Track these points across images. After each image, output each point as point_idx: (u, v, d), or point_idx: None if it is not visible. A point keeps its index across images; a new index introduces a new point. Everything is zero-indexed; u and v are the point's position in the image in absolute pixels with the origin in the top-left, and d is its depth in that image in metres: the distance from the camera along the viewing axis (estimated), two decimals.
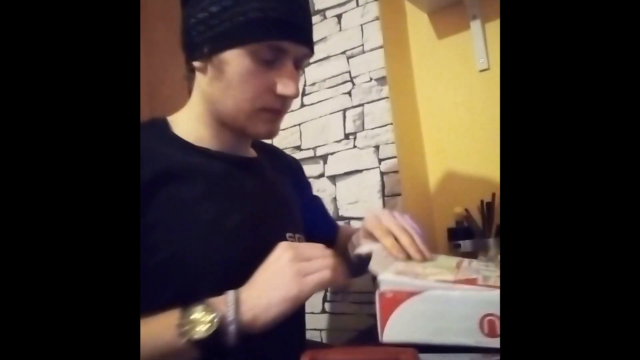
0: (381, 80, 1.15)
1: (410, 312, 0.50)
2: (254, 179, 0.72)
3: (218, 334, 0.47)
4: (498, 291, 0.47)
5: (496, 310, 0.47)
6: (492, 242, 0.99)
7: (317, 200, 0.96)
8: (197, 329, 0.47)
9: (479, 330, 0.48)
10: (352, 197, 1.18)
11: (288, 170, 0.86)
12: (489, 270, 0.56)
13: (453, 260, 0.62)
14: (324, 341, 1.20)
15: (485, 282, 0.50)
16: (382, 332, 0.52)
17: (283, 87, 0.63)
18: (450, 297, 0.49)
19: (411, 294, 0.50)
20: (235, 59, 0.62)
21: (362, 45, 1.19)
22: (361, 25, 1.20)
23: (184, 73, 0.70)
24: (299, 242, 0.73)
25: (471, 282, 0.50)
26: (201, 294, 0.51)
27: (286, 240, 0.70)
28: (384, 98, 1.15)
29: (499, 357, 0.46)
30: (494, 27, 1.13)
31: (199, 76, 0.67)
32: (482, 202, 1.05)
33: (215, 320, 0.48)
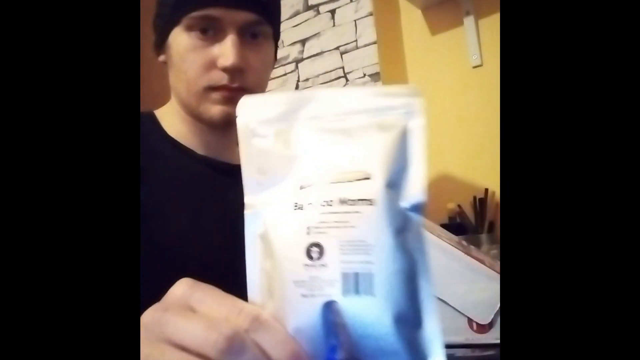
0: (375, 76, 1.15)
1: None
2: (238, 187, 0.64)
3: None
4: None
5: None
6: (485, 238, 1.00)
7: None
8: None
9: (468, 328, 0.50)
10: None
11: None
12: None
13: (455, 237, 0.64)
14: None
15: (495, 266, 0.52)
16: None
17: (222, 59, 0.56)
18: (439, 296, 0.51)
19: None
20: (174, 39, 0.59)
21: (356, 40, 1.19)
22: (355, 20, 1.19)
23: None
24: None
25: (480, 260, 0.51)
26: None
27: None
28: None
29: (488, 352, 0.47)
30: (488, 24, 1.13)
31: (167, 70, 0.64)
32: (474, 198, 1.05)
33: None
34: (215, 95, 0.59)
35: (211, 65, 0.57)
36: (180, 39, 0.58)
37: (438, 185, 1.20)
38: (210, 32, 0.57)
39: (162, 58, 0.63)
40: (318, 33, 1.26)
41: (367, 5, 1.18)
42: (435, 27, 1.21)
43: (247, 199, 0.31)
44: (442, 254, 0.51)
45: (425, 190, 0.29)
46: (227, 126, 0.60)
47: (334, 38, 1.23)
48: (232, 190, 0.60)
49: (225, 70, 0.57)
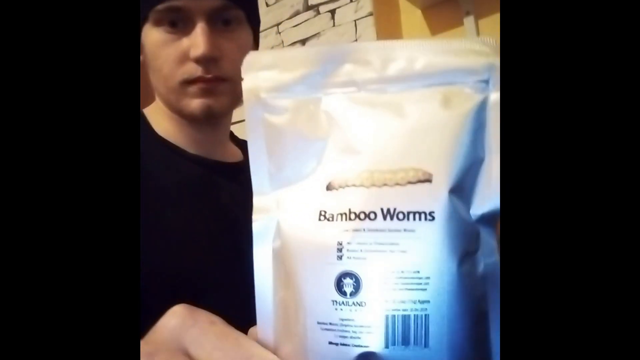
0: None
1: None
2: (232, 185, 0.62)
3: None
4: None
5: None
6: None
7: None
8: None
9: None
10: None
11: None
12: None
13: None
14: None
15: None
16: None
17: (193, 49, 0.54)
18: None
19: None
20: (146, 36, 0.57)
21: (356, 40, 1.19)
22: (355, 20, 1.19)
23: None
24: None
25: None
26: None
27: None
28: None
29: None
30: (487, 24, 1.13)
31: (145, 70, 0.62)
32: None
33: None
34: (192, 89, 0.56)
35: (184, 58, 0.55)
36: (151, 35, 0.56)
37: None
38: (179, 24, 0.55)
39: (142, 58, 0.60)
40: (318, 33, 1.26)
41: (367, 5, 1.18)
42: (435, 27, 1.21)
43: (257, 201, 0.23)
44: None
45: (500, 193, 0.21)
46: (210, 119, 0.59)
47: (334, 38, 1.23)
48: (226, 191, 0.60)
49: (198, 61, 0.54)
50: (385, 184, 0.19)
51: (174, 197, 0.57)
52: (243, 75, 0.23)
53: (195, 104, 0.56)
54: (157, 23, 0.55)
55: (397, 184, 0.19)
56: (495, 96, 0.23)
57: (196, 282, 0.53)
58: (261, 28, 1.41)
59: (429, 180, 0.19)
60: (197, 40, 0.54)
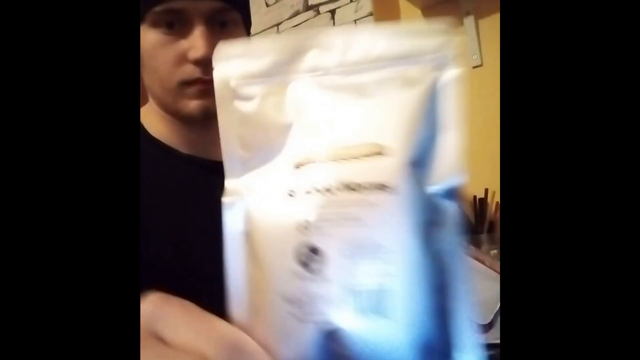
0: None
1: None
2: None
3: None
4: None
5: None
6: (485, 238, 1.00)
7: None
8: None
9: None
10: None
11: None
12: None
13: None
14: None
15: (495, 266, 0.51)
16: None
17: (192, 51, 0.54)
18: None
19: None
20: (143, 37, 0.56)
21: None
22: (355, 20, 1.19)
23: None
24: None
25: (479, 259, 0.50)
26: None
27: None
28: None
29: (488, 352, 0.47)
30: (488, 24, 1.13)
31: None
32: (474, 197, 1.05)
33: None
34: (191, 90, 0.56)
35: (182, 59, 0.55)
36: (147, 36, 0.55)
37: None
38: (176, 25, 0.55)
39: None
40: None
41: (367, 5, 1.18)
42: None
43: (228, 183, 0.25)
44: None
45: (462, 168, 0.22)
46: (207, 120, 0.58)
47: None
48: (220, 189, 0.61)
49: (197, 62, 0.55)
50: (343, 159, 0.20)
51: (169, 196, 0.57)
52: (214, 65, 0.24)
53: (193, 105, 0.56)
54: (154, 24, 0.55)
55: (355, 158, 0.20)
56: (450, 73, 0.23)
57: (191, 278, 0.53)
58: (261, 28, 1.41)
59: (385, 154, 0.20)
60: (197, 43, 0.54)
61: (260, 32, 1.36)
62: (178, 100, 0.57)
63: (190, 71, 0.55)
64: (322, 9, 1.26)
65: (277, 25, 1.34)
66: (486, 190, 1.05)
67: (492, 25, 1.12)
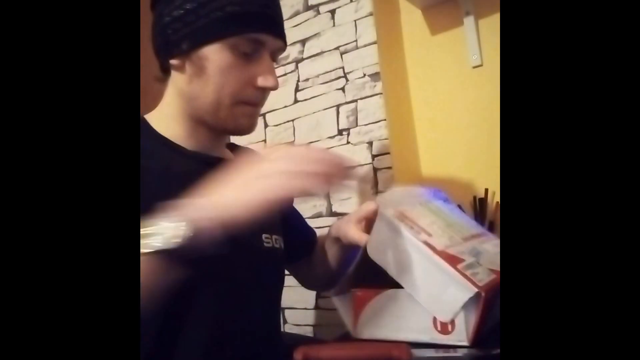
0: (375, 76, 1.15)
1: (377, 310, 0.53)
2: None
3: (188, 239, 0.43)
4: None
5: None
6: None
7: (295, 209, 0.95)
8: (163, 236, 0.42)
9: (432, 328, 0.49)
10: (345, 193, 1.18)
11: None
12: (488, 258, 0.56)
13: (473, 230, 0.62)
14: (317, 337, 1.21)
15: (468, 269, 0.50)
16: (354, 328, 0.54)
17: (263, 80, 0.64)
18: (407, 296, 0.51)
19: (376, 293, 0.53)
20: (215, 54, 0.62)
21: (356, 41, 1.19)
22: (355, 20, 1.19)
23: (156, 74, 0.70)
24: (276, 243, 0.73)
25: (452, 260, 0.50)
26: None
27: (262, 242, 0.70)
28: (377, 94, 1.15)
29: (450, 353, 0.47)
30: (488, 24, 1.13)
31: (175, 75, 0.66)
32: (474, 198, 1.05)
33: (179, 226, 0.43)
34: (246, 110, 0.66)
35: (249, 83, 0.64)
36: (223, 55, 0.62)
37: (438, 184, 1.20)
38: (251, 54, 0.63)
39: (175, 62, 0.65)
40: (318, 33, 1.26)
41: (367, 5, 1.18)
42: (435, 27, 1.21)
43: None
44: (412, 248, 0.50)
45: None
46: (245, 134, 0.70)
47: (334, 38, 1.23)
48: None
49: (262, 90, 0.65)
50: None
51: (178, 189, 0.61)
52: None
53: (244, 121, 0.67)
54: (235, 47, 0.62)
55: None
56: None
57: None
58: None
59: None
60: (269, 74, 0.64)
61: None
62: (231, 115, 0.65)
63: (253, 95, 0.65)
64: (322, 9, 1.25)
65: None
66: (486, 190, 1.05)
67: (492, 25, 1.12)
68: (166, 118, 0.69)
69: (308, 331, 1.22)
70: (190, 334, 0.58)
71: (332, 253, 0.79)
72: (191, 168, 0.65)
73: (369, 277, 0.61)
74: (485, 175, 1.10)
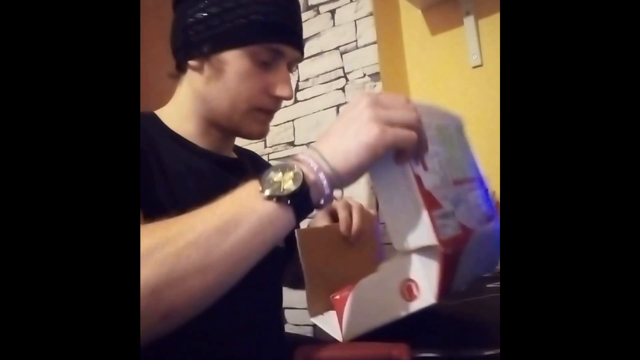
0: (375, 76, 1.15)
1: (355, 305, 0.53)
2: (236, 177, 0.71)
3: (310, 187, 0.43)
4: (407, 256, 0.48)
5: (410, 274, 0.48)
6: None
7: None
8: (285, 186, 0.42)
9: (401, 298, 0.49)
10: (345, 193, 1.18)
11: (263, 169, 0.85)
12: (465, 211, 0.55)
13: (467, 173, 0.63)
14: (317, 337, 1.21)
15: (441, 218, 0.49)
16: (341, 334, 0.54)
17: (280, 90, 0.66)
18: (375, 279, 0.51)
19: (350, 289, 0.53)
20: (235, 59, 0.63)
21: (356, 41, 1.19)
22: (355, 20, 1.19)
23: (171, 71, 0.71)
24: (280, 243, 0.74)
25: (431, 205, 0.48)
26: None
27: None
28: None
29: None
30: (488, 24, 1.13)
31: (193, 75, 0.67)
32: None
33: (298, 173, 0.43)
34: (260, 116, 0.68)
35: (264, 91, 0.66)
36: (242, 62, 0.64)
37: None
38: (269, 62, 0.65)
39: (194, 63, 0.66)
40: (318, 33, 1.26)
41: (367, 5, 1.18)
42: (435, 27, 1.21)
43: None
44: (403, 175, 0.49)
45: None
46: (256, 139, 0.74)
47: (334, 38, 1.23)
48: (227, 179, 0.68)
49: (278, 98, 0.67)
50: None
51: (188, 179, 0.65)
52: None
53: (257, 127, 0.69)
54: (252, 55, 0.63)
55: None
56: None
57: None
58: None
59: None
60: (285, 84, 0.66)
61: None
62: (244, 120, 0.67)
63: (268, 102, 0.67)
64: (322, 9, 1.26)
65: None
66: None
67: (492, 25, 1.12)
68: (179, 115, 0.70)
69: (308, 331, 1.22)
70: (190, 331, 0.58)
71: None
72: (204, 166, 0.67)
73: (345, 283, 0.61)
74: (485, 175, 1.10)
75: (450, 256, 0.46)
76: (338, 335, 0.56)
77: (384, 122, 0.44)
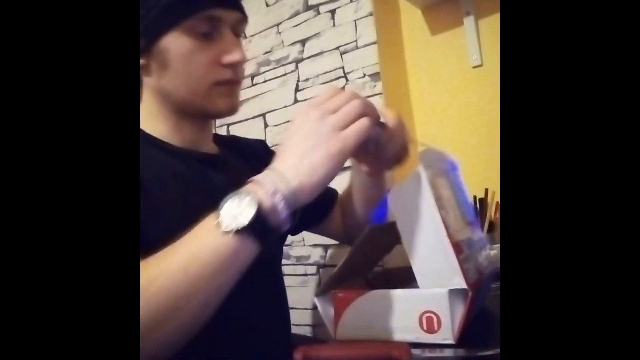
0: (375, 76, 1.15)
1: (360, 311, 0.53)
2: (220, 173, 0.69)
3: (266, 213, 0.42)
4: (438, 290, 0.49)
5: (435, 307, 0.49)
6: (485, 238, 1.00)
7: None
8: (241, 217, 0.41)
9: (418, 327, 0.49)
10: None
11: (254, 156, 0.82)
12: (476, 254, 0.56)
13: (469, 216, 0.63)
14: (316, 337, 1.21)
15: (465, 262, 0.50)
16: (335, 330, 0.54)
17: (230, 56, 0.63)
18: (393, 296, 0.51)
19: (359, 294, 0.53)
20: (173, 42, 0.61)
21: (356, 41, 1.19)
22: (355, 20, 1.19)
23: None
24: None
25: (456, 249, 0.50)
26: None
27: None
28: (377, 94, 1.15)
29: (435, 353, 0.48)
30: (488, 24, 1.13)
31: (144, 74, 0.65)
32: (474, 197, 1.05)
33: (253, 200, 0.42)
34: (222, 89, 0.64)
35: (215, 62, 0.62)
36: (182, 41, 0.61)
37: None
38: (210, 33, 0.61)
39: (142, 62, 0.63)
40: (318, 33, 1.26)
41: (367, 5, 1.18)
42: (435, 27, 1.21)
43: None
44: (431, 219, 0.50)
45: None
46: (207, 120, 0.69)
47: (334, 38, 1.23)
48: (210, 177, 0.67)
49: (231, 66, 0.63)
50: None
51: (169, 184, 0.62)
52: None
53: (223, 103, 0.65)
54: (189, 31, 0.60)
55: None
56: None
57: None
58: (261, 28, 1.41)
59: None
60: (231, 49, 0.62)
61: (260, 32, 1.37)
62: (207, 99, 0.64)
63: (225, 73, 0.63)
64: (322, 9, 1.25)
65: (277, 25, 1.34)
66: (486, 190, 1.05)
67: (492, 25, 1.12)
68: (149, 117, 0.67)
69: (308, 331, 1.22)
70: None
71: (358, 188, 0.79)
72: (183, 167, 0.65)
73: (351, 277, 0.61)
74: (485, 175, 1.10)
75: (474, 299, 0.48)
76: (330, 326, 0.56)
77: (339, 128, 0.45)
